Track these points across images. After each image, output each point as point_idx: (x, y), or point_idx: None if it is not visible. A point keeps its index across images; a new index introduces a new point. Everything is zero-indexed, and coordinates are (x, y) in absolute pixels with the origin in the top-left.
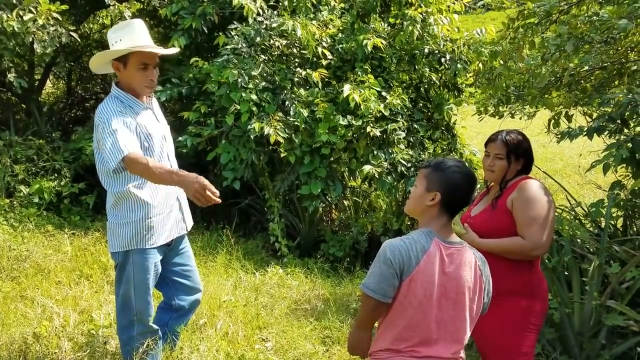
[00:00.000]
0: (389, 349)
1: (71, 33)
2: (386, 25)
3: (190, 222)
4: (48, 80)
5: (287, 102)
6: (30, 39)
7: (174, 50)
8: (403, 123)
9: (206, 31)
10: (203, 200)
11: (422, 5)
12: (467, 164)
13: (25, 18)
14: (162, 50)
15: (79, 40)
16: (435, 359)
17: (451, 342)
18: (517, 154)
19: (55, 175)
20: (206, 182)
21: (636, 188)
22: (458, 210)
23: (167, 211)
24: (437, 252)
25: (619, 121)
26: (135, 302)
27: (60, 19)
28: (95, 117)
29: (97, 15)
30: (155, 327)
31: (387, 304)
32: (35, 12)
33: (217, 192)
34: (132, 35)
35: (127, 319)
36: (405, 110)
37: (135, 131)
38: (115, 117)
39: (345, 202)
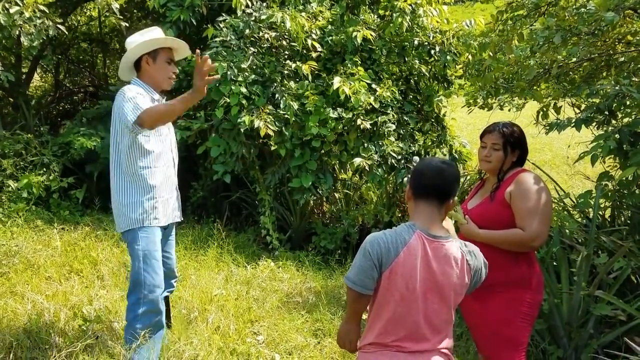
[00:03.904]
0: (375, 342)
1: (58, 25)
2: (375, 17)
3: (180, 214)
4: (36, 74)
5: (277, 95)
6: (17, 32)
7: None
8: (393, 115)
9: (195, 23)
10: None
11: None
12: (444, 159)
13: (11, 11)
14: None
15: (67, 32)
16: (422, 353)
17: (438, 337)
18: (513, 146)
19: (44, 169)
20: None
21: (624, 179)
22: (433, 197)
23: (168, 196)
24: (419, 245)
25: (606, 112)
26: (144, 277)
27: (47, 11)
28: (116, 97)
29: (84, 7)
30: (161, 308)
31: (368, 296)
32: (21, 5)
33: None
34: (160, 36)
35: (136, 295)
36: (395, 103)
37: None
38: (138, 94)
39: (336, 195)
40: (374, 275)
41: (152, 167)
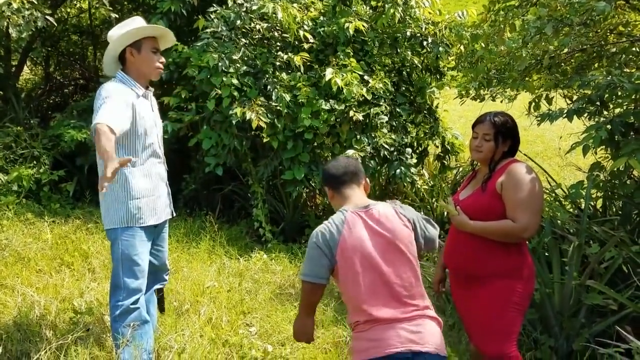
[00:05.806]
0: (364, 321)
1: (47, 17)
2: (368, 8)
3: (172, 210)
4: (25, 66)
5: (269, 87)
6: (5, 24)
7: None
8: (385, 107)
9: (185, 14)
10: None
11: None
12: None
13: None
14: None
15: (56, 24)
16: (411, 319)
17: (415, 292)
18: (505, 136)
19: (34, 162)
20: (107, 173)
21: (615, 169)
22: (347, 181)
23: (158, 194)
24: (356, 217)
25: (598, 103)
26: (123, 282)
27: (36, 2)
28: (96, 94)
29: None
30: (142, 310)
31: (321, 285)
32: None
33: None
34: (141, 26)
35: (115, 299)
36: (387, 94)
37: (132, 108)
38: (115, 93)
39: None
40: (324, 263)
41: (137, 167)
